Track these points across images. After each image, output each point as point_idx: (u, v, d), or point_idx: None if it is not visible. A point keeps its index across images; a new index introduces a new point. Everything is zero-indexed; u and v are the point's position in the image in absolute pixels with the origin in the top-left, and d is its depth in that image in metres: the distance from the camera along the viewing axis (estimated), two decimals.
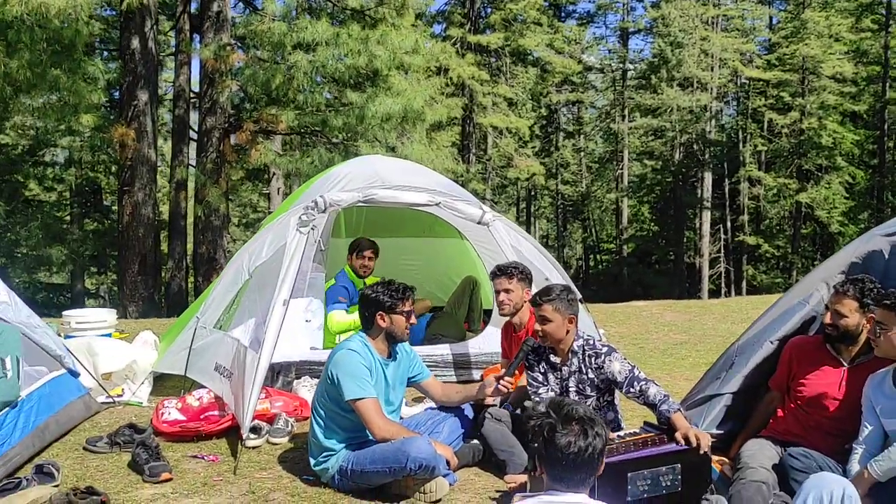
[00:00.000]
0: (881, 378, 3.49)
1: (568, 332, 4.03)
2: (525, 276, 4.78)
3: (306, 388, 5.38)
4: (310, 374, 5.53)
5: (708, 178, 31.25)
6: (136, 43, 13.89)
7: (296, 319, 5.67)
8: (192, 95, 16.78)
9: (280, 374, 5.54)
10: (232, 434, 4.69)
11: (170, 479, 4.08)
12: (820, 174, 30.82)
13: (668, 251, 34.09)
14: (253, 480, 4.11)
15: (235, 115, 15.68)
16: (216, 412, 4.84)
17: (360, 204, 5.54)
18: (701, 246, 30.71)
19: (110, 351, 5.68)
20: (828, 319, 3.71)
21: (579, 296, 4.51)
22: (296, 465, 4.32)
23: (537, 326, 4.01)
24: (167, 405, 4.90)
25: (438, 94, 21.37)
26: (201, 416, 4.81)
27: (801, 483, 3.41)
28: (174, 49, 17.63)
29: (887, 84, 31.96)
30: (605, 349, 4.02)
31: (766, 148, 31.51)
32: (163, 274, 16.26)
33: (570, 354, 4.06)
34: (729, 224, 32.18)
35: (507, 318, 4.91)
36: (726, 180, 32.53)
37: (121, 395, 5.52)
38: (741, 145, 31.78)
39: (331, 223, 6.19)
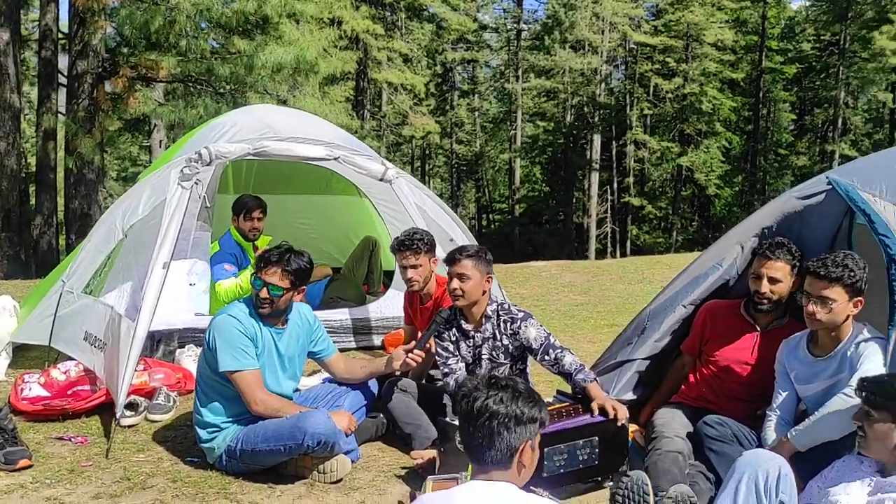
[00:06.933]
0: (795, 343, 3.42)
1: (484, 292, 3.76)
2: (430, 245, 4.42)
3: (191, 359, 4.90)
4: (195, 343, 5.04)
5: (597, 140, 31.95)
6: None
7: (178, 283, 5.15)
8: (60, 36, 15.31)
9: (160, 343, 5.03)
10: (104, 412, 4.20)
11: (29, 466, 3.58)
12: (699, 139, 32.08)
13: (558, 211, 34.75)
14: (128, 464, 3.67)
15: (111, 59, 14.41)
16: (86, 387, 4.34)
17: (251, 157, 5.09)
18: (589, 206, 31.48)
19: None
20: (763, 288, 3.51)
21: None
22: (178, 445, 3.90)
23: (455, 284, 3.71)
24: (28, 380, 4.36)
25: (332, 46, 20.54)
26: (68, 392, 4.30)
27: (716, 451, 3.35)
28: None
29: (763, 53, 33.47)
30: (520, 314, 3.79)
31: (651, 112, 32.47)
32: (31, 231, 14.95)
33: (483, 320, 3.81)
34: (615, 185, 33.09)
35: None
36: (614, 143, 33.39)
37: None
38: (629, 109, 32.61)
39: (217, 177, 5.63)
